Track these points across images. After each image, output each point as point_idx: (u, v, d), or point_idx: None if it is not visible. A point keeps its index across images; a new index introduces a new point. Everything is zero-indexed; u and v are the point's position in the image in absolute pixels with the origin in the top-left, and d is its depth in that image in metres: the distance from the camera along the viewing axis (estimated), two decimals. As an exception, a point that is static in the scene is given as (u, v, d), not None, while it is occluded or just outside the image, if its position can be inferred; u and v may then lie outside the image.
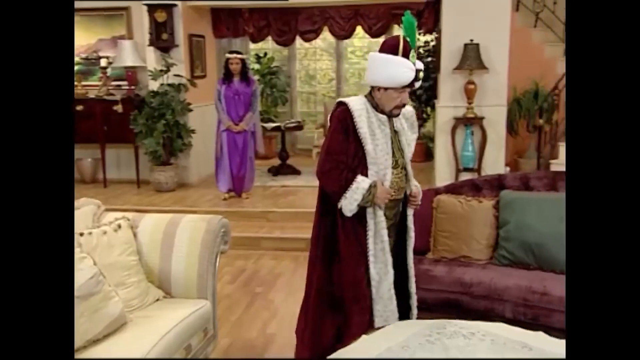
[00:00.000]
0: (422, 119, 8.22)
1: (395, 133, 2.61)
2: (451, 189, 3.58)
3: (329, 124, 2.68)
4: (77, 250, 2.44)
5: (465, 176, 5.88)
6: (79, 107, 6.45)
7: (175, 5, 6.29)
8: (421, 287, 3.02)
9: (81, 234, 2.61)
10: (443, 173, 6.02)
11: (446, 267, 3.18)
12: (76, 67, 6.91)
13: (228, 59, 5.64)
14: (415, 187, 2.68)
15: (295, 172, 7.17)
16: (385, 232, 2.60)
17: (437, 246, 3.40)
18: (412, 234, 2.71)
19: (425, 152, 8.13)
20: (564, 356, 2.12)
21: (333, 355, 2.18)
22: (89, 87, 6.70)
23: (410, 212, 2.69)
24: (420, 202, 2.64)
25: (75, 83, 6.66)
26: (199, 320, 2.73)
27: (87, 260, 2.40)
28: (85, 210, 2.97)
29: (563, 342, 2.26)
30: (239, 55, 5.68)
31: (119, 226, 2.81)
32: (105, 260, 2.62)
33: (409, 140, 2.66)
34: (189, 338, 2.64)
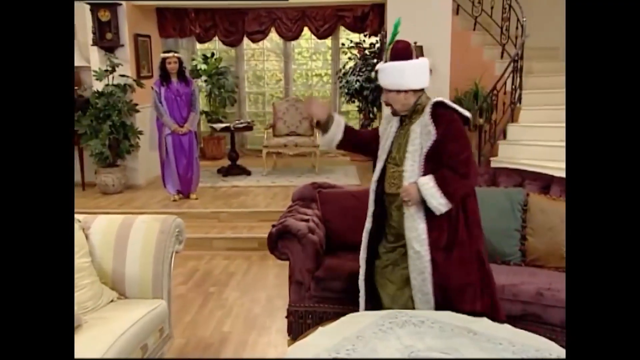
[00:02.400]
0: (369, 118, 8.39)
1: (406, 133, 2.64)
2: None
3: None
4: (29, 252, 2.41)
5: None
6: (19, 108, 6.23)
7: (119, 4, 6.19)
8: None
9: (32, 237, 2.57)
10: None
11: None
12: (15, 67, 6.69)
13: (165, 58, 5.51)
14: (408, 184, 2.56)
15: (245, 172, 7.19)
16: (368, 225, 2.82)
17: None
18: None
19: (373, 151, 8.29)
20: (505, 339, 2.29)
21: (290, 349, 2.24)
22: (29, 88, 6.49)
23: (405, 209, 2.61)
24: (407, 199, 2.53)
25: (15, 83, 6.44)
26: (154, 320, 2.74)
27: (40, 262, 2.37)
28: (34, 212, 2.92)
29: (504, 326, 2.42)
30: (176, 54, 5.60)
31: (71, 228, 2.78)
32: (57, 263, 2.59)
33: (416, 143, 2.58)
34: (145, 338, 2.65)
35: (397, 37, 2.70)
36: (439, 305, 2.61)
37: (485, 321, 2.49)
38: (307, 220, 3.37)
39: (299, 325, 3.24)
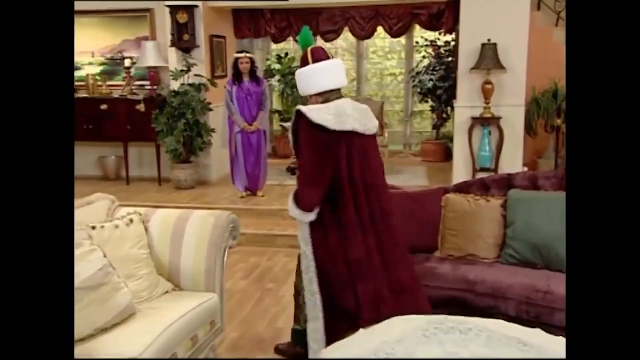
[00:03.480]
0: (442, 118, 8.20)
1: None
2: (460, 188, 3.59)
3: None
4: (87, 242, 2.55)
5: (482, 176, 5.87)
6: (103, 107, 6.64)
7: (196, 6, 6.42)
8: (425, 284, 3.07)
9: (93, 227, 2.72)
10: (460, 173, 6.01)
11: (452, 265, 3.21)
12: (101, 67, 7.12)
13: (237, 58, 5.69)
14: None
15: (313, 171, 7.22)
16: None
17: (445, 244, 3.42)
18: None
19: (445, 152, 8.11)
20: (558, 353, 2.15)
21: (327, 349, 2.23)
22: (113, 87, 6.89)
23: None
24: None
25: (100, 83, 6.86)
26: (205, 312, 2.81)
27: (97, 252, 2.50)
28: (99, 205, 3.08)
29: (559, 339, 2.28)
30: (248, 54, 5.75)
31: (131, 220, 2.92)
32: (116, 253, 2.72)
33: None
34: (196, 329, 2.72)
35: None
36: (325, 306, 2.64)
37: (539, 333, 2.35)
38: (361, 220, 3.34)
39: (350, 325, 3.21)
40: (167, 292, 2.89)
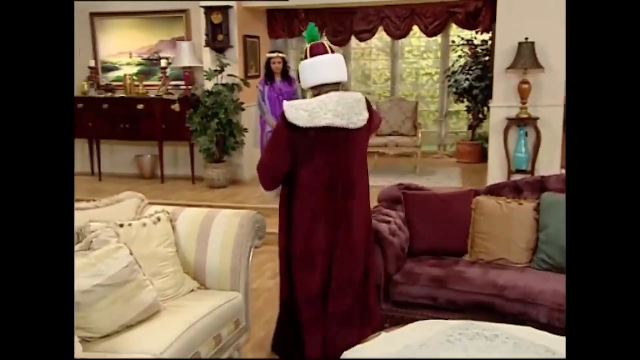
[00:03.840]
0: (478, 119, 8.05)
1: None
2: (491, 190, 3.51)
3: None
4: (114, 240, 2.59)
5: (517, 178, 5.72)
6: (140, 106, 6.76)
7: (230, 7, 6.47)
8: (452, 287, 3.00)
9: (121, 225, 2.75)
10: (495, 175, 5.88)
11: (481, 269, 3.13)
12: (138, 68, 7.25)
13: (270, 58, 5.72)
14: None
15: (346, 171, 7.19)
16: None
17: (475, 248, 3.34)
18: None
19: (480, 153, 7.95)
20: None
21: (347, 353, 2.20)
22: (149, 87, 7.01)
23: None
24: None
25: (137, 83, 6.99)
26: (229, 312, 2.82)
27: (122, 249, 2.53)
28: (128, 203, 3.13)
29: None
30: (280, 54, 5.76)
31: (159, 219, 2.95)
32: (143, 251, 2.75)
33: None
34: (219, 328, 2.73)
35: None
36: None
37: (568, 341, 2.27)
38: (388, 222, 3.29)
39: (375, 329, 3.17)
40: (192, 290, 2.90)
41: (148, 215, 2.98)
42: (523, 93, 5.50)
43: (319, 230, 2.73)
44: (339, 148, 2.71)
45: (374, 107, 3.18)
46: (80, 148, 7.40)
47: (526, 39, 5.43)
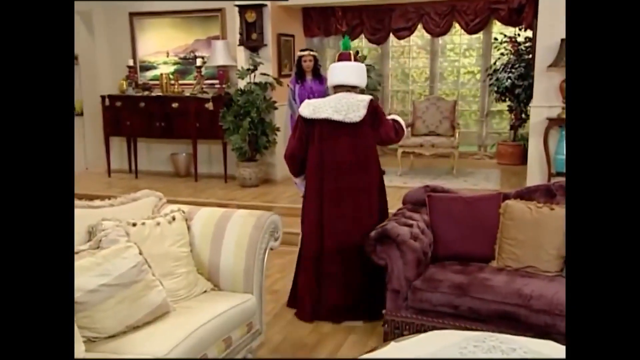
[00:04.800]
0: (521, 119, 7.75)
1: None
2: (522, 194, 3.32)
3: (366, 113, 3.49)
4: (123, 239, 2.57)
5: (547, 183, 5.47)
6: (175, 105, 6.82)
7: (264, 5, 6.44)
8: (474, 296, 2.86)
9: (133, 224, 2.73)
10: (535, 177, 5.64)
11: (507, 277, 2.96)
12: (174, 67, 7.33)
13: (301, 56, 5.63)
14: None
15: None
16: None
17: (502, 254, 3.18)
18: None
19: (522, 154, 7.66)
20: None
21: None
22: (185, 86, 7.06)
23: None
24: None
25: (173, 82, 7.05)
26: (241, 314, 2.75)
27: (132, 249, 2.50)
28: (146, 201, 3.11)
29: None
30: (312, 52, 5.67)
31: (174, 218, 2.91)
32: (156, 250, 2.72)
33: None
34: (230, 331, 2.67)
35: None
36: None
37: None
38: (410, 226, 3.17)
39: (395, 335, 3.05)
40: (205, 291, 2.86)
41: (163, 214, 2.95)
42: (565, 92, 5.24)
43: (313, 205, 3.55)
44: (334, 136, 3.47)
45: (394, 116, 3.78)
46: (119, 146, 7.54)
47: (562, 40, 5.16)
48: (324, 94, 5.68)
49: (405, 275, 3.02)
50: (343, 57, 3.67)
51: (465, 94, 9.18)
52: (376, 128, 3.49)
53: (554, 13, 5.36)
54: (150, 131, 6.99)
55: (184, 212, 3.02)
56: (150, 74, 7.45)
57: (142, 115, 6.93)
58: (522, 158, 7.60)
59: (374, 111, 3.48)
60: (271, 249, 3.00)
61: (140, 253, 2.54)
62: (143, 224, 2.78)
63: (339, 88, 3.56)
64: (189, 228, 2.98)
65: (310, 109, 3.48)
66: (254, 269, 2.89)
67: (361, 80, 3.61)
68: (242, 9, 6.45)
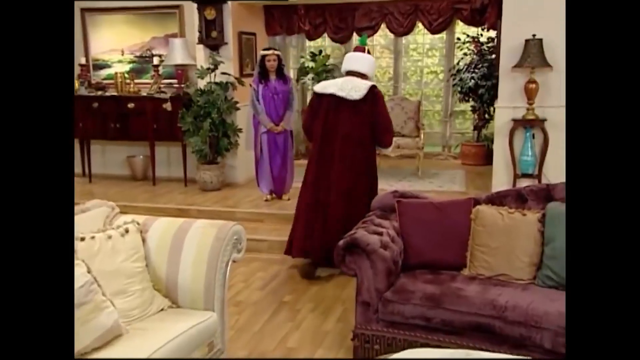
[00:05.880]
0: (484, 119, 7.75)
1: None
2: (493, 199, 3.23)
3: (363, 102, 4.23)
4: (70, 256, 2.34)
5: (523, 183, 5.43)
6: (131, 105, 6.53)
7: (224, 2, 6.21)
8: (448, 307, 2.74)
9: (82, 239, 2.51)
10: (501, 179, 5.59)
11: (480, 286, 2.86)
12: (130, 65, 7.02)
13: (264, 56, 5.42)
14: None
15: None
16: None
17: (474, 262, 3.07)
18: None
19: (486, 155, 7.66)
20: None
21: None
22: (141, 85, 6.77)
23: None
24: None
25: (129, 81, 6.75)
26: (201, 334, 2.57)
27: (79, 267, 2.29)
28: (97, 212, 2.88)
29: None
30: (276, 52, 5.49)
31: (127, 230, 2.70)
32: (106, 267, 2.51)
33: None
34: (190, 352, 2.49)
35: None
36: None
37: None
38: (380, 234, 3.03)
39: (365, 350, 2.92)
40: (162, 309, 2.66)
41: (116, 226, 2.73)
42: (530, 93, 5.20)
43: (312, 166, 4.32)
44: (337, 109, 4.22)
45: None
46: (72, 148, 7.17)
47: (534, 36, 5.12)
48: (288, 94, 5.52)
49: (376, 286, 2.88)
50: (358, 49, 4.50)
51: (429, 94, 9.14)
52: (375, 111, 4.17)
53: (518, 14, 5.32)
54: (104, 133, 6.67)
55: (138, 223, 2.80)
56: (104, 72, 7.11)
57: (95, 116, 6.60)
58: (486, 158, 7.60)
59: (374, 96, 4.18)
60: (234, 261, 2.82)
61: (89, 271, 2.33)
62: (92, 237, 2.56)
63: (350, 73, 4.33)
64: (144, 241, 2.77)
65: (321, 86, 4.39)
66: (215, 283, 2.70)
67: (370, 71, 4.42)
68: (201, 6, 6.21)
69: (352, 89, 4.14)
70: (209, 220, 2.88)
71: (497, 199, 3.21)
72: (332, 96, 4.19)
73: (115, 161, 7.18)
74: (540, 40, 5.11)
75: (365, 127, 4.16)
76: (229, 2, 6.26)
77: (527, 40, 5.15)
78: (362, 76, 4.27)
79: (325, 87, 4.29)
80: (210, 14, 6.19)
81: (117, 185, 6.68)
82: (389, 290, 2.89)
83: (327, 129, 4.21)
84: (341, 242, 2.96)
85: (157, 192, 6.31)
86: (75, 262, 2.30)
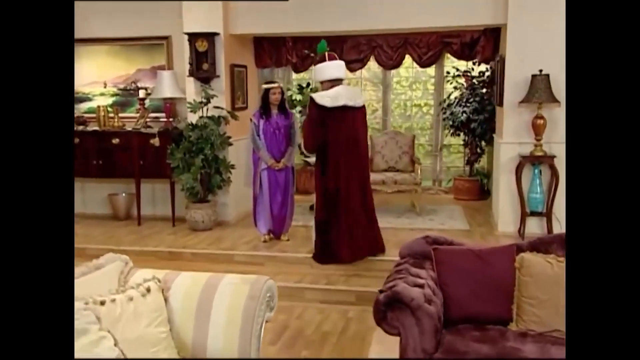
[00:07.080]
0: (477, 153, 7.66)
1: None
2: (536, 246, 3.03)
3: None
4: (95, 327, 2.00)
5: (532, 221, 5.30)
6: (115, 140, 6.16)
7: (217, 34, 5.97)
8: (510, 371, 2.48)
9: (102, 303, 2.17)
10: (507, 217, 5.46)
11: (537, 345, 2.62)
12: (114, 98, 6.67)
13: (269, 89, 5.18)
14: None
15: (339, 210, 6.68)
16: None
17: (522, 315, 2.84)
18: None
19: (479, 189, 7.55)
20: None
21: None
22: (126, 120, 6.41)
23: None
24: None
25: (112, 115, 6.39)
26: (239, 410, 2.24)
27: (106, 340, 1.97)
28: (110, 268, 2.54)
29: None
30: (280, 84, 5.27)
31: (148, 290, 2.38)
32: (130, 334, 2.18)
33: None
34: None
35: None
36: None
37: None
38: (421, 286, 2.77)
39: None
40: (191, 381, 2.33)
41: (135, 284, 2.40)
42: (538, 129, 5.11)
43: (340, 171, 4.70)
44: (354, 119, 4.73)
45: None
46: (48, 185, 6.71)
47: (540, 71, 5.06)
48: (289, 129, 5.28)
49: (423, 346, 2.61)
50: (332, 58, 4.85)
51: (414, 128, 9.04)
52: (364, 112, 4.91)
53: (523, 48, 5.26)
54: (86, 170, 6.24)
55: (159, 280, 2.48)
56: (84, 106, 6.72)
57: (76, 152, 6.18)
58: (480, 193, 7.49)
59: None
60: (266, 321, 2.52)
61: (116, 343, 2.00)
62: (113, 301, 2.23)
63: (336, 81, 4.77)
64: (166, 300, 2.44)
65: (328, 100, 4.62)
66: (250, 349, 2.39)
67: (345, 74, 5.02)
68: (193, 38, 5.94)
69: (354, 96, 4.77)
70: (240, 275, 2.58)
71: (542, 246, 3.01)
72: (341, 107, 4.62)
73: (95, 199, 6.75)
74: (547, 75, 5.04)
75: (366, 128, 4.95)
76: (221, 34, 6.01)
77: (533, 76, 5.08)
78: (341, 81, 4.83)
79: (333, 100, 4.61)
80: (202, 45, 5.93)
81: (100, 225, 6.25)
82: (438, 351, 2.62)
83: (348, 136, 4.66)
84: (381, 297, 2.69)
85: (143, 233, 5.91)
86: (102, 333, 1.97)
